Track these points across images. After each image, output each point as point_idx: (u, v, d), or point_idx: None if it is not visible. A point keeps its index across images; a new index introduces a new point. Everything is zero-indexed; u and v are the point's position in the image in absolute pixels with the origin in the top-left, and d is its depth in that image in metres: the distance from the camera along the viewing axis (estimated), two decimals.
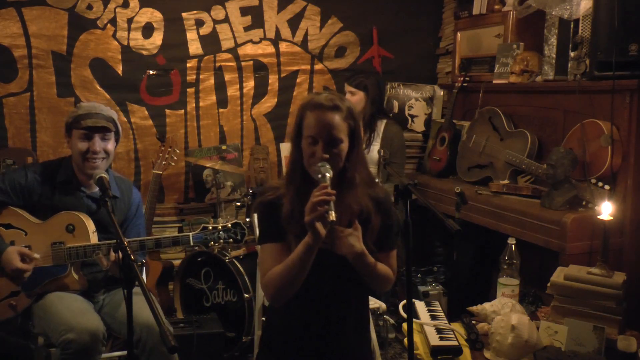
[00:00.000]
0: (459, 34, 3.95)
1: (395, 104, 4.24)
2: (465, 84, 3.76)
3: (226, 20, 3.98)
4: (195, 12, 3.92)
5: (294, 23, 4.12)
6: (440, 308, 2.39)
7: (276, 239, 1.82)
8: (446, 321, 2.26)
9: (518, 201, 2.95)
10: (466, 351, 2.06)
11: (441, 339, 2.10)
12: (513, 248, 2.39)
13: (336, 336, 1.87)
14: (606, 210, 2.23)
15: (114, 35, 3.78)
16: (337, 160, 1.77)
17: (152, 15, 3.83)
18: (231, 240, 2.43)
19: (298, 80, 4.19)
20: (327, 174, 1.69)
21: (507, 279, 2.38)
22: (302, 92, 4.20)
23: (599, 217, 2.27)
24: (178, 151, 3.58)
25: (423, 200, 1.84)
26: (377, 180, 3.11)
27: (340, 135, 1.76)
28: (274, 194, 1.85)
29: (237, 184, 4.05)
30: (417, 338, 2.14)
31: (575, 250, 2.58)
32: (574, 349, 1.99)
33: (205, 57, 3.98)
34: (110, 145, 2.47)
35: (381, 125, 3.60)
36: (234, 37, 4.02)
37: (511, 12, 3.45)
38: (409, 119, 4.22)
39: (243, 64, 4.06)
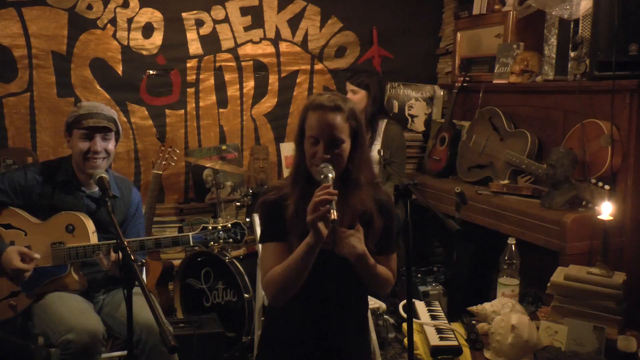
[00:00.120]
0: (459, 34, 3.95)
1: (395, 104, 4.24)
2: (465, 84, 3.76)
3: (226, 20, 3.98)
4: (195, 12, 3.92)
5: (294, 23, 4.12)
6: (440, 308, 2.39)
7: (278, 239, 1.82)
8: (446, 321, 2.26)
9: (518, 201, 2.95)
10: (466, 351, 2.06)
11: (441, 339, 2.10)
12: (513, 248, 2.39)
13: (336, 336, 1.87)
14: (606, 210, 2.23)
15: (114, 35, 3.78)
16: (339, 161, 1.77)
17: (152, 15, 3.83)
18: (231, 240, 2.43)
19: (298, 80, 4.19)
20: (330, 174, 1.69)
21: (507, 279, 2.38)
22: (302, 92, 4.20)
23: (599, 217, 2.27)
24: (178, 151, 3.58)
25: (423, 200, 1.84)
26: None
27: (342, 135, 1.76)
28: (277, 193, 1.85)
29: (237, 184, 4.05)
30: (417, 338, 2.14)
31: (575, 250, 2.58)
32: (574, 349, 1.99)
33: (205, 57, 3.98)
34: (111, 145, 2.47)
35: (382, 124, 3.60)
36: (234, 37, 4.02)
37: (511, 12, 3.45)
38: (409, 119, 4.22)
39: (243, 64, 4.06)
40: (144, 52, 3.85)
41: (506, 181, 3.12)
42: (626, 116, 2.64)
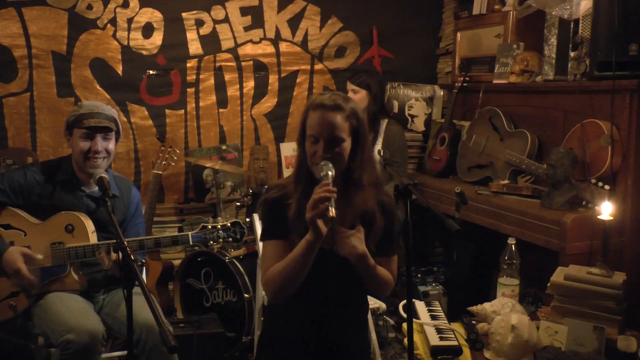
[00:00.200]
0: (459, 34, 3.95)
1: (395, 104, 4.24)
2: (465, 84, 3.76)
3: (226, 20, 3.98)
4: (195, 12, 3.92)
5: (294, 23, 4.12)
6: (440, 308, 2.39)
7: (279, 237, 1.82)
8: (446, 321, 2.26)
9: (518, 201, 2.94)
10: (466, 351, 2.06)
11: (441, 339, 2.10)
12: (513, 248, 2.39)
13: (336, 336, 1.87)
14: (606, 210, 2.23)
15: (114, 35, 3.78)
16: (340, 160, 1.77)
17: (152, 15, 3.83)
18: (230, 239, 2.43)
19: (298, 80, 4.19)
20: (330, 172, 1.70)
21: (507, 279, 2.38)
22: (302, 92, 4.20)
23: (599, 217, 2.27)
24: (178, 151, 3.58)
25: (423, 200, 1.84)
26: None
27: (341, 134, 1.76)
28: (279, 191, 1.85)
29: (237, 184, 4.05)
30: (417, 338, 2.14)
31: (575, 250, 2.58)
32: (574, 349, 1.99)
33: (205, 57, 3.98)
34: (112, 145, 2.48)
35: (382, 124, 3.60)
36: (234, 37, 4.02)
37: (511, 12, 3.45)
38: (409, 119, 4.22)
39: (243, 64, 4.06)
40: (144, 52, 3.85)
41: (506, 181, 3.12)
42: (626, 116, 2.64)
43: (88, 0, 3.69)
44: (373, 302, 2.90)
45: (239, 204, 3.59)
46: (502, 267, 2.40)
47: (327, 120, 1.75)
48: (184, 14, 3.90)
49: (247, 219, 3.13)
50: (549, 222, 2.67)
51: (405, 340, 1.95)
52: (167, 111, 3.96)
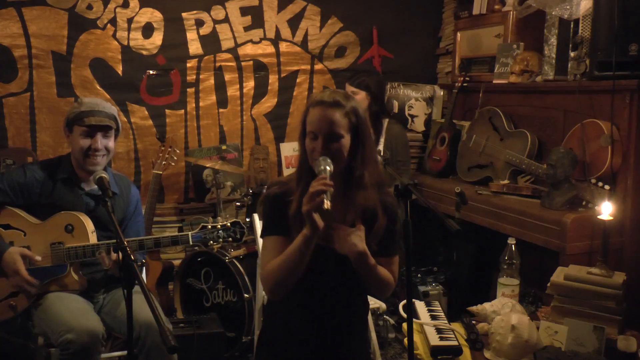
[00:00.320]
0: (459, 34, 3.95)
1: (395, 104, 4.24)
2: (465, 84, 3.76)
3: (226, 20, 3.98)
4: (195, 12, 3.92)
5: (294, 23, 4.12)
6: (440, 308, 2.39)
7: (279, 233, 1.82)
8: (446, 321, 2.26)
9: (518, 201, 2.94)
10: (466, 351, 2.06)
11: (441, 339, 2.10)
12: (513, 248, 2.39)
13: (336, 335, 1.87)
14: (606, 210, 2.23)
15: (114, 35, 3.78)
16: (339, 156, 1.77)
17: (152, 15, 3.83)
18: (230, 239, 2.43)
19: (298, 80, 4.19)
20: (328, 167, 1.70)
21: (507, 279, 2.38)
22: (302, 92, 4.20)
23: (599, 217, 2.27)
24: (178, 151, 3.58)
25: (423, 200, 1.84)
26: None
27: (340, 130, 1.76)
28: (281, 188, 1.86)
29: (237, 184, 4.05)
30: (417, 338, 2.14)
31: (575, 250, 2.58)
32: (574, 349, 1.99)
33: (205, 57, 3.98)
34: (111, 143, 2.48)
35: (384, 124, 3.60)
36: (234, 37, 4.01)
37: (511, 12, 3.45)
38: (409, 119, 4.22)
39: (243, 64, 4.06)
40: (144, 52, 3.85)
41: (506, 181, 3.12)
42: (626, 116, 2.64)
43: (88, 0, 3.69)
44: (373, 302, 2.90)
45: (239, 204, 3.58)
46: (502, 267, 2.40)
47: (326, 116, 1.75)
48: (184, 14, 3.90)
49: (247, 219, 3.13)
50: (549, 222, 2.67)
51: (405, 340, 1.95)
52: (167, 111, 3.96)
